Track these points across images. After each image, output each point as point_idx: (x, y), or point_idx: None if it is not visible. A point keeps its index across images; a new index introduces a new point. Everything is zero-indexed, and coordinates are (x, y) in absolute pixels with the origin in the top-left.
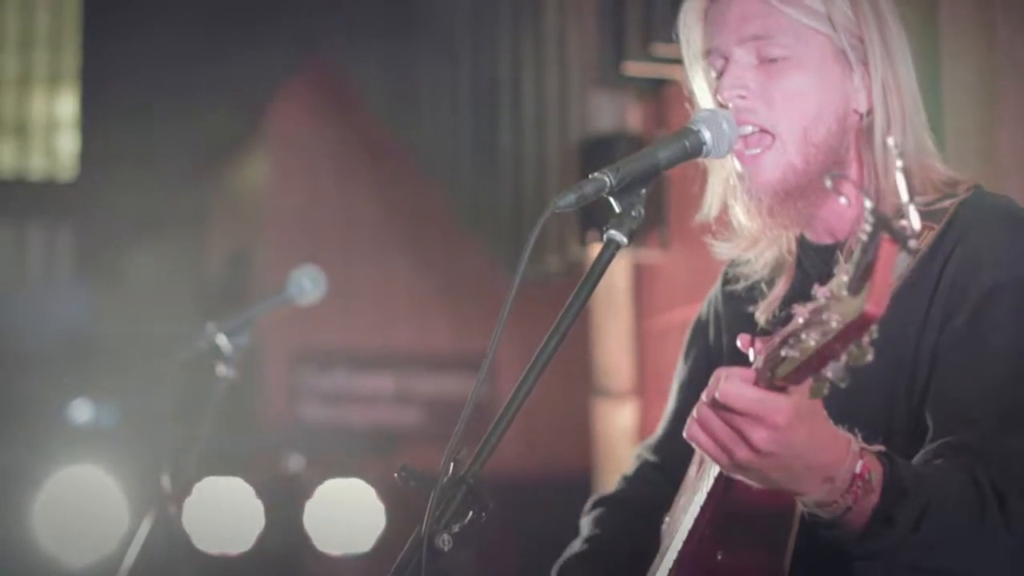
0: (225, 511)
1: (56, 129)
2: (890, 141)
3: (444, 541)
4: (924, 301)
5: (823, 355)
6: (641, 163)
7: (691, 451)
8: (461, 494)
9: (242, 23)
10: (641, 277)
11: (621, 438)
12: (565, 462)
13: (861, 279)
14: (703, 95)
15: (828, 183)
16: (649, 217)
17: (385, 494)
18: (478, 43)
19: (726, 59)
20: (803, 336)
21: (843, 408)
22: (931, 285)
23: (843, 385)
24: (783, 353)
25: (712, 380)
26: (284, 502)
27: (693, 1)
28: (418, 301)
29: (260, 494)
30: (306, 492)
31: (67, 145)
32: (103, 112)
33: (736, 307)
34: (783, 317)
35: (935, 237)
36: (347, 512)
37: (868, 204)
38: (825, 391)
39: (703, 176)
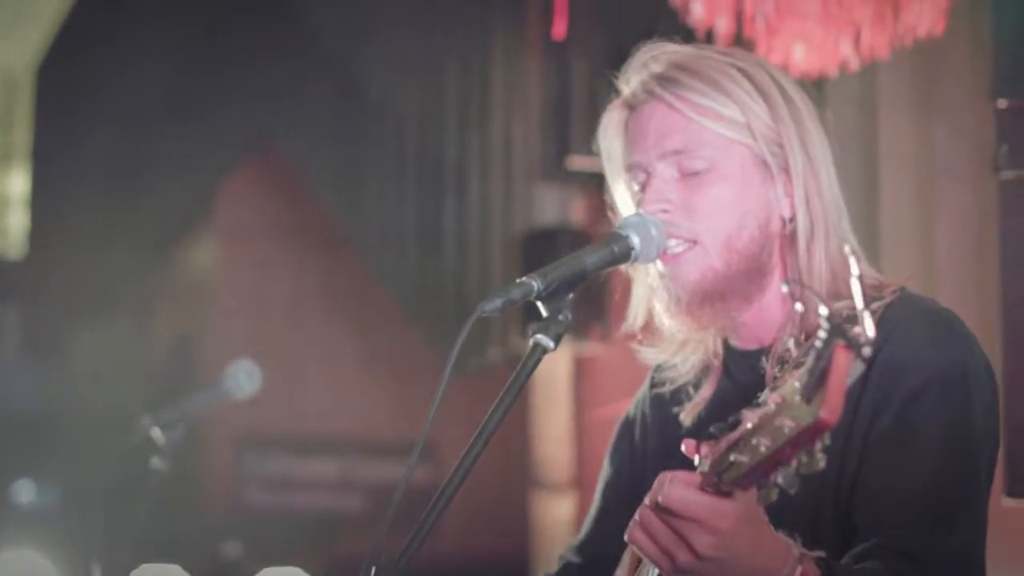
0: None
1: (6, 208)
2: (846, 248)
3: None
4: (851, 401)
5: (773, 461)
6: (568, 268)
7: (615, 553)
8: None
9: (195, 108)
10: (581, 370)
11: (559, 529)
12: (503, 553)
13: (815, 386)
14: (626, 207)
15: (784, 289)
16: (590, 311)
17: None
18: (425, 134)
19: (648, 173)
20: (753, 441)
21: (771, 504)
22: (858, 385)
23: (792, 491)
24: (732, 458)
25: (656, 483)
26: None
27: (613, 113)
28: (363, 387)
29: None
30: None
31: (16, 224)
32: (53, 192)
33: (662, 410)
34: (731, 423)
35: None
36: None
37: (823, 311)
38: (774, 497)
39: (626, 286)
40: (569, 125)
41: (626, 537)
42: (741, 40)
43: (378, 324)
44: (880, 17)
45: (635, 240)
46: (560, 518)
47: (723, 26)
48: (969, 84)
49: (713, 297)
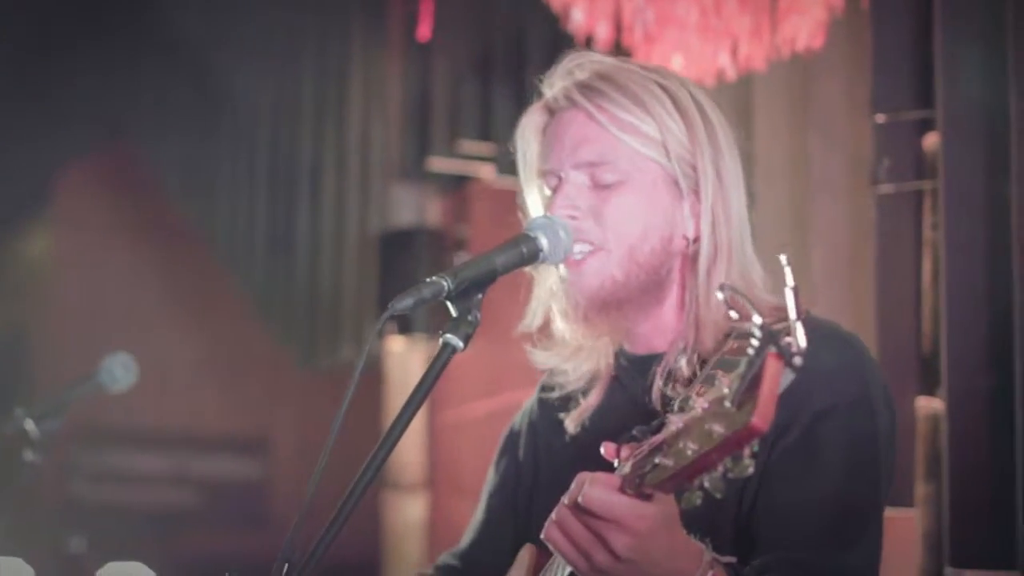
0: None
1: None
2: (783, 258)
3: None
4: None
5: (699, 465)
6: (478, 268)
7: (497, 560)
8: None
9: (35, 97)
10: None
11: (410, 530)
12: (353, 554)
13: (746, 392)
14: (535, 208)
15: (720, 296)
16: (445, 312)
17: None
18: (278, 131)
19: (560, 179)
20: (680, 445)
21: None
22: None
23: (719, 496)
24: (656, 460)
25: (575, 484)
26: None
27: (532, 116)
28: (196, 383)
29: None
30: (87, 574)
31: None
32: None
33: (550, 415)
34: (655, 426)
35: None
36: None
37: (756, 319)
38: (697, 501)
39: (528, 284)
40: (430, 126)
41: (543, 536)
42: (620, 48)
43: (215, 320)
44: (757, 30)
45: (543, 242)
46: (411, 519)
47: (603, 33)
48: (846, 98)
49: (610, 305)
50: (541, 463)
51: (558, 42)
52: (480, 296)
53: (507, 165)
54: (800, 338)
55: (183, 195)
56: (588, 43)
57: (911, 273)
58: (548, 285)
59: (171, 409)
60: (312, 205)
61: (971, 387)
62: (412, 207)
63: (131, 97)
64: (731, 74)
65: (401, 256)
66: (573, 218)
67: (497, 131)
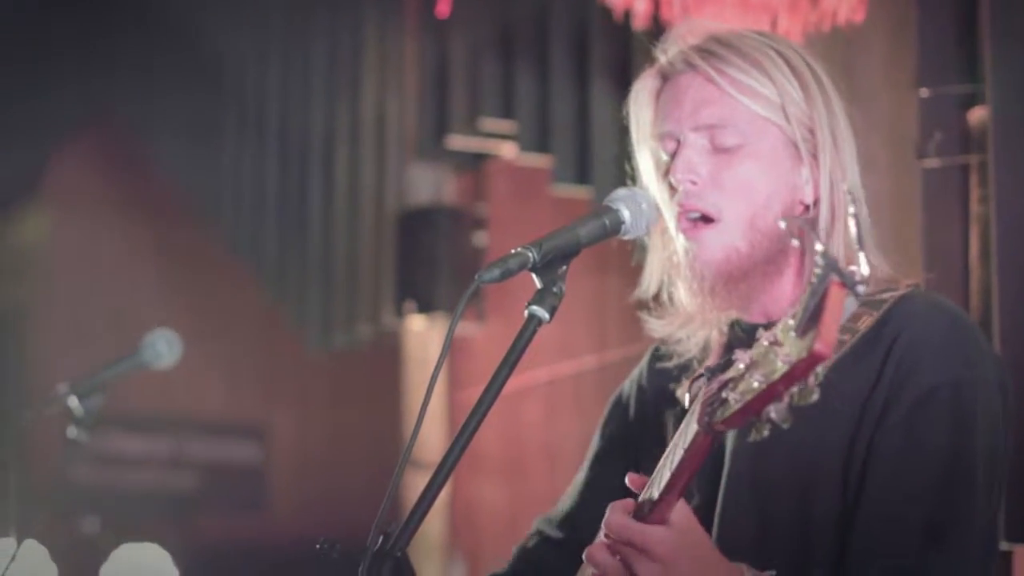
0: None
1: None
2: (844, 186)
3: None
4: (865, 387)
5: (767, 396)
6: (562, 239)
7: (597, 526)
8: (388, 567)
9: (26, 73)
10: (456, 349)
11: (431, 510)
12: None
13: (810, 321)
14: (648, 173)
15: (782, 224)
16: (464, 290)
17: (179, 559)
18: (288, 108)
19: (679, 142)
20: (747, 377)
21: (786, 461)
22: (873, 373)
23: (785, 426)
24: (724, 395)
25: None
26: (80, 565)
27: (646, 80)
28: (195, 365)
29: (55, 557)
30: (101, 555)
31: None
32: None
33: (663, 383)
34: (723, 364)
35: (874, 323)
36: None
37: (819, 247)
38: (764, 432)
39: (629, 252)
40: (449, 103)
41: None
42: (658, 22)
43: (214, 301)
44: (795, 3)
45: (625, 213)
46: None
47: (641, 7)
48: (887, 72)
49: (736, 277)
50: (655, 427)
51: (581, 16)
52: (565, 268)
53: (529, 142)
54: (864, 266)
55: (187, 173)
56: (626, 17)
57: (958, 248)
58: (666, 254)
59: (171, 392)
60: (326, 183)
61: None
62: (430, 185)
63: (125, 71)
64: None
65: (419, 234)
66: (694, 183)
67: (519, 108)
